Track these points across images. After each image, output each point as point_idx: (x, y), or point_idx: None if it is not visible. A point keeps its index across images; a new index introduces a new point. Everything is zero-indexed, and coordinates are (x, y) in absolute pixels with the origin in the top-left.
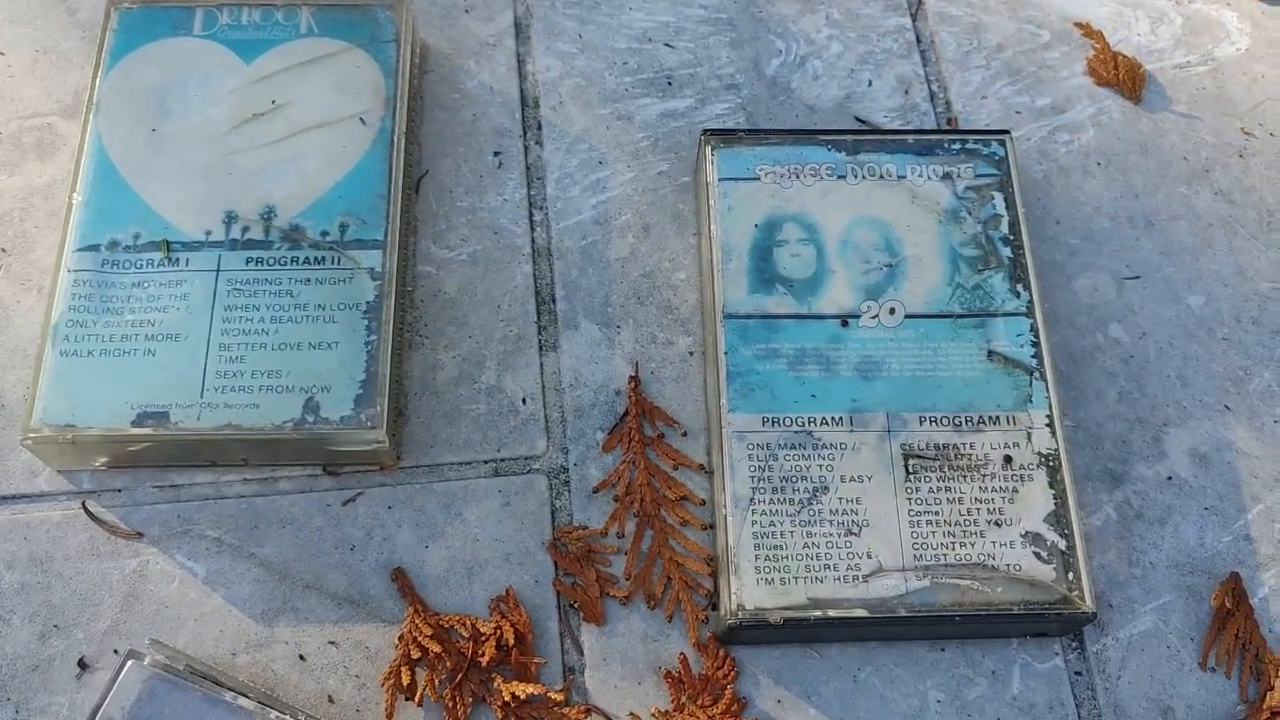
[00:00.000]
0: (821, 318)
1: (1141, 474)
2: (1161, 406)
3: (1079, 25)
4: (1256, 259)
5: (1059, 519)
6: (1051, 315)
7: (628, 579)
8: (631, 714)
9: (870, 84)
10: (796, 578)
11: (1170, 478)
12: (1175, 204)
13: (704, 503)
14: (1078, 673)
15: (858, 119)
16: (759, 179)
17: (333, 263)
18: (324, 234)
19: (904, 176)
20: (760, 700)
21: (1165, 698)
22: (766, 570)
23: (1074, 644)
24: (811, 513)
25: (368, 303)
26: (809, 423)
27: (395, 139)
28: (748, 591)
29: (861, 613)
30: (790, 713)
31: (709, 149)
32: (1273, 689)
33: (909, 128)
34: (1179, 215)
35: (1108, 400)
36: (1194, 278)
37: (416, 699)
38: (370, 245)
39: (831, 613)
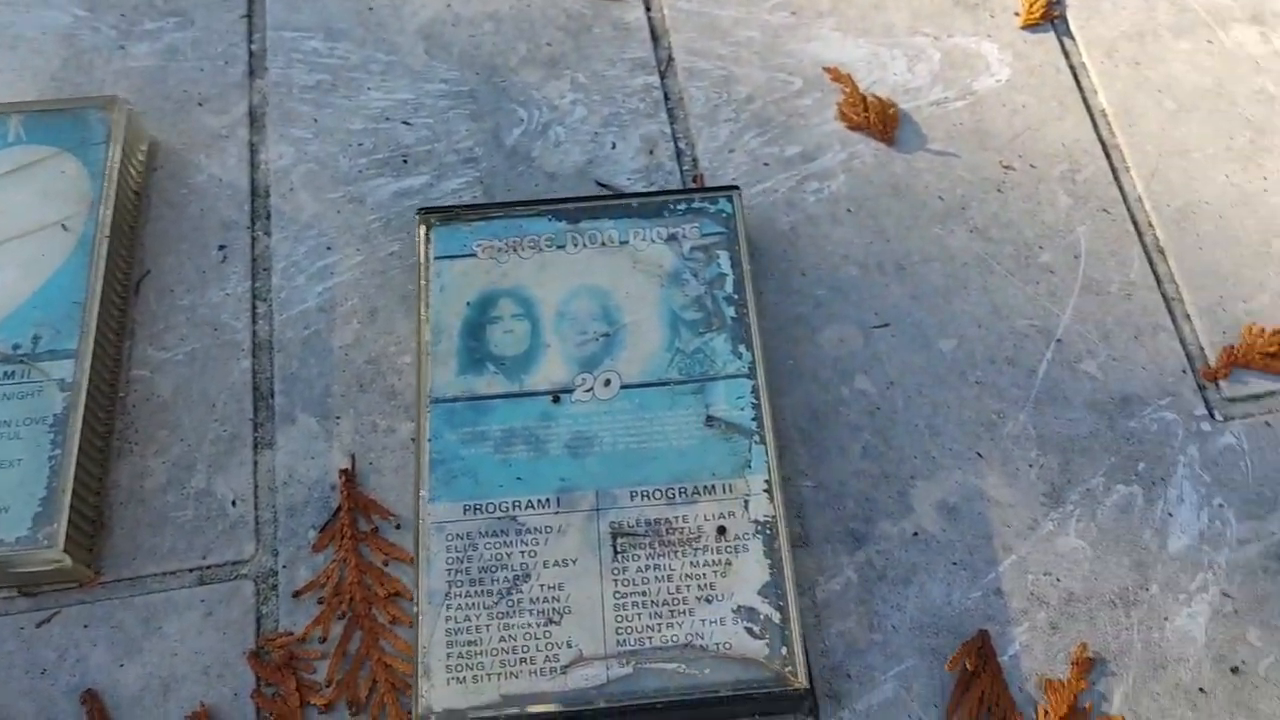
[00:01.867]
0: (533, 394)
1: (885, 532)
2: (909, 459)
3: (828, 70)
4: (1012, 296)
5: (775, 590)
6: (794, 371)
7: (329, 685)
8: None
9: (614, 146)
10: (490, 674)
11: (916, 533)
12: (928, 245)
13: (418, 614)
14: None
15: (599, 183)
16: (476, 255)
17: (22, 376)
18: (15, 347)
19: (626, 241)
20: None
21: None
22: (459, 669)
23: None
24: (510, 603)
25: (55, 415)
26: (513, 507)
27: (96, 243)
28: (437, 693)
29: (556, 707)
30: None
31: (424, 228)
32: None
33: (646, 190)
34: (932, 257)
35: (851, 456)
36: (946, 320)
37: None
38: (63, 355)
39: (529, 708)
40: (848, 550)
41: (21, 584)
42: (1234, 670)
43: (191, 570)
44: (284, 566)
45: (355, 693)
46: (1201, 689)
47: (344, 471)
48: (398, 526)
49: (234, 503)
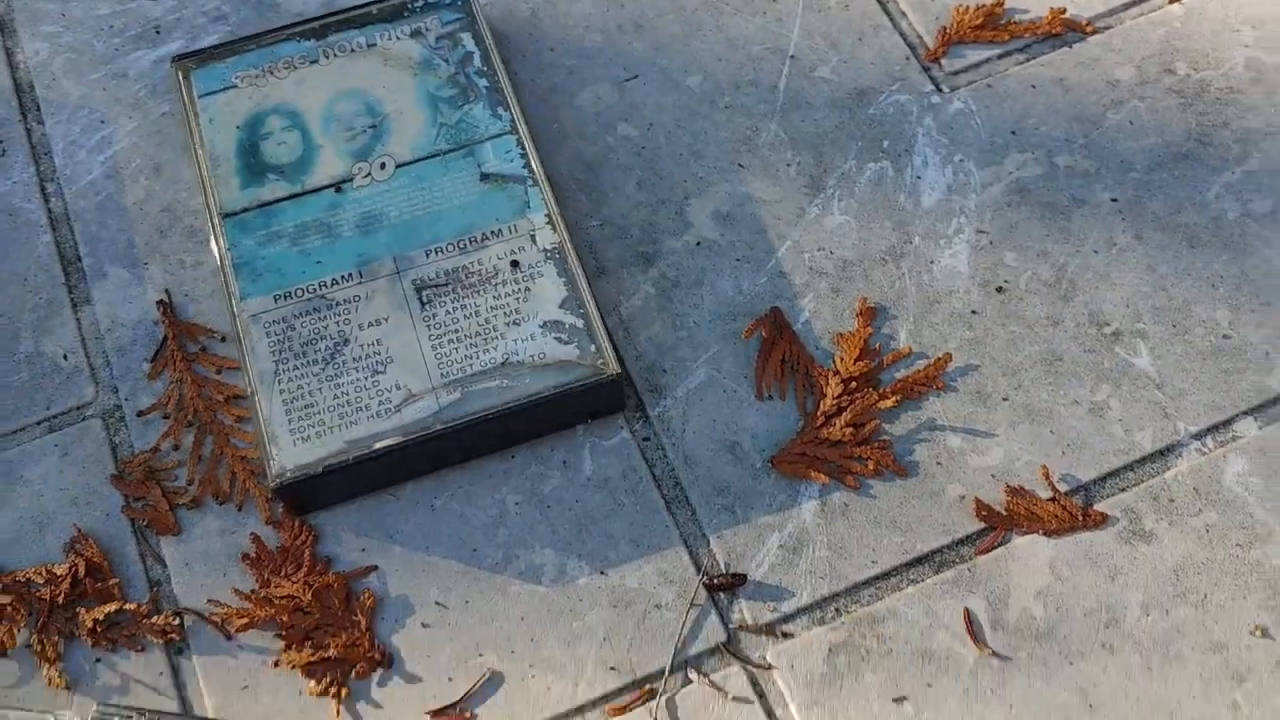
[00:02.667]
0: (316, 191)
1: (671, 248)
2: (679, 183)
3: None
4: (744, 27)
5: (574, 302)
6: (560, 133)
7: (191, 484)
8: (210, 600)
9: None
10: (331, 428)
11: (699, 243)
12: (661, 2)
13: (254, 393)
14: (645, 438)
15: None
16: (236, 86)
17: None
18: None
19: (374, 44)
20: (345, 555)
21: (730, 435)
22: (302, 430)
23: (637, 415)
24: (336, 366)
25: None
26: (320, 287)
27: None
28: (286, 454)
29: (398, 439)
30: (376, 556)
31: (181, 74)
32: (824, 396)
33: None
34: (665, 11)
35: (628, 192)
36: (689, 61)
37: (4, 652)
38: None
39: (371, 448)
40: (641, 270)
41: None
42: (999, 290)
43: (39, 423)
44: (126, 399)
45: (218, 486)
46: (974, 311)
47: (161, 303)
48: (223, 339)
49: (65, 356)
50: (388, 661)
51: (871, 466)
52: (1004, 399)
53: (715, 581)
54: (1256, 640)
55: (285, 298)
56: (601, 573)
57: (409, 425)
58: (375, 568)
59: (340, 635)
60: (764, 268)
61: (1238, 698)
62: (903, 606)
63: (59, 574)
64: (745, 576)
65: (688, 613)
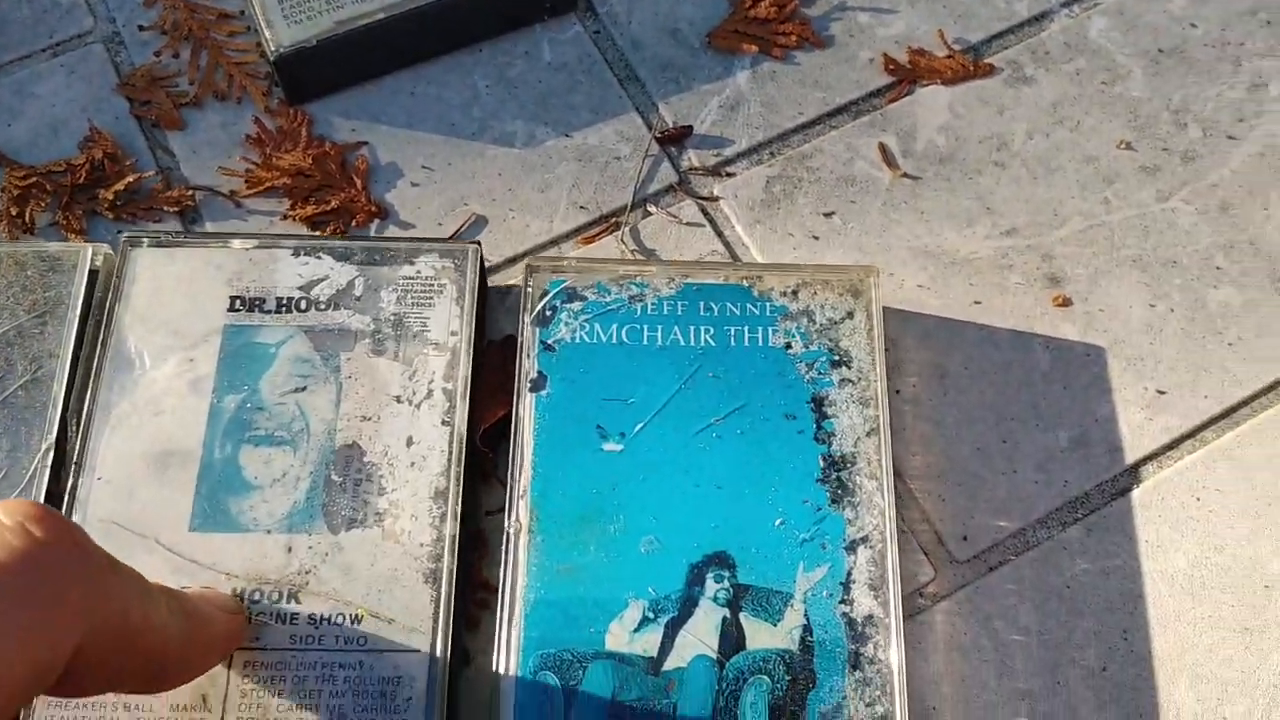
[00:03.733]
0: None
1: None
2: None
3: None
4: None
5: None
6: None
7: (193, 85)
8: (221, 168)
9: None
10: (321, 11)
11: None
12: None
13: (242, 13)
14: (595, 31)
15: None
16: None
17: None
18: None
19: None
20: (337, 135)
21: (670, 23)
22: (294, 14)
23: (587, 14)
24: None
25: None
26: None
27: None
28: (281, 33)
29: (383, 15)
30: (365, 135)
31: None
32: None
33: None
34: None
35: None
36: None
37: (32, 229)
38: None
39: (361, 23)
40: None
41: None
42: None
43: (44, 50)
44: (124, 26)
45: (216, 87)
46: None
47: None
48: None
49: None
50: (383, 213)
51: (794, 39)
52: None
53: (665, 135)
54: (1121, 151)
55: None
56: (566, 135)
57: (391, 4)
58: (366, 143)
59: (339, 193)
60: None
61: (1108, 195)
62: (827, 145)
63: (77, 164)
64: (691, 128)
65: (644, 161)
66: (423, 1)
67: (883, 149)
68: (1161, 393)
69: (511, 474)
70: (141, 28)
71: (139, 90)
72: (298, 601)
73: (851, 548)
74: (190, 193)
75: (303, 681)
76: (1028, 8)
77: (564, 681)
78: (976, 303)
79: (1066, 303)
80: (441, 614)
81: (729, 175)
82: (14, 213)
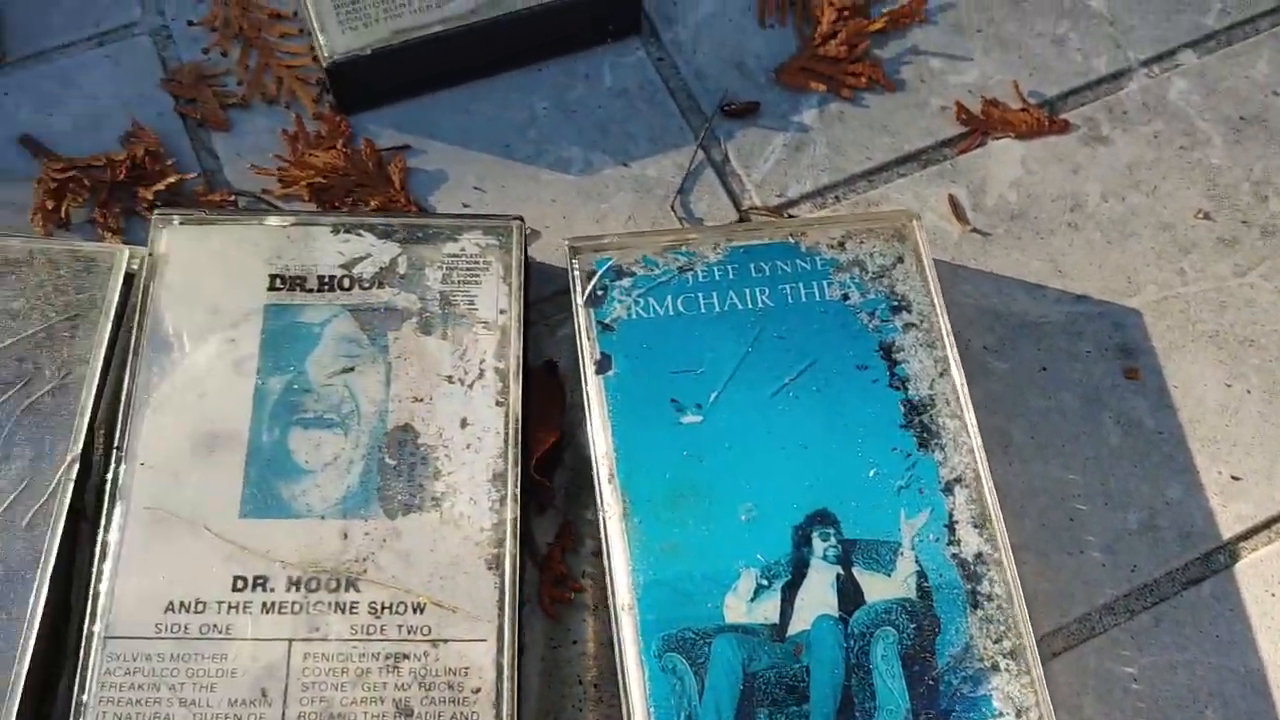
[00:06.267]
0: None
1: None
2: None
3: None
4: None
5: None
6: None
7: (240, 85)
8: (254, 166)
9: None
10: (378, 19)
11: None
12: None
13: (295, 14)
14: (659, 58)
15: None
16: None
17: None
18: None
19: None
20: (383, 144)
21: (737, 56)
22: (350, 20)
23: (651, 40)
24: None
25: None
26: None
27: None
28: (335, 40)
29: (440, 29)
30: (417, 150)
31: None
32: (821, 21)
33: None
34: None
35: None
36: None
37: (67, 224)
38: None
39: (416, 35)
40: None
41: None
42: None
43: (89, 38)
44: (173, 20)
45: (265, 89)
46: None
47: None
48: None
49: None
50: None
51: (864, 80)
52: (978, 30)
53: (731, 108)
54: (1199, 221)
55: None
56: (624, 164)
57: (449, 18)
58: (407, 146)
59: (378, 193)
60: None
61: (1184, 265)
62: (894, 194)
63: (118, 159)
64: (758, 104)
65: (703, 132)
66: (482, 17)
67: (953, 201)
68: (1236, 479)
69: (594, 460)
70: (191, 23)
71: (185, 87)
72: (357, 590)
73: (948, 489)
74: (233, 197)
75: (366, 673)
76: (1106, 64)
77: (692, 661)
78: (1043, 369)
79: (1138, 375)
80: (507, 602)
81: (791, 218)
82: (49, 206)
